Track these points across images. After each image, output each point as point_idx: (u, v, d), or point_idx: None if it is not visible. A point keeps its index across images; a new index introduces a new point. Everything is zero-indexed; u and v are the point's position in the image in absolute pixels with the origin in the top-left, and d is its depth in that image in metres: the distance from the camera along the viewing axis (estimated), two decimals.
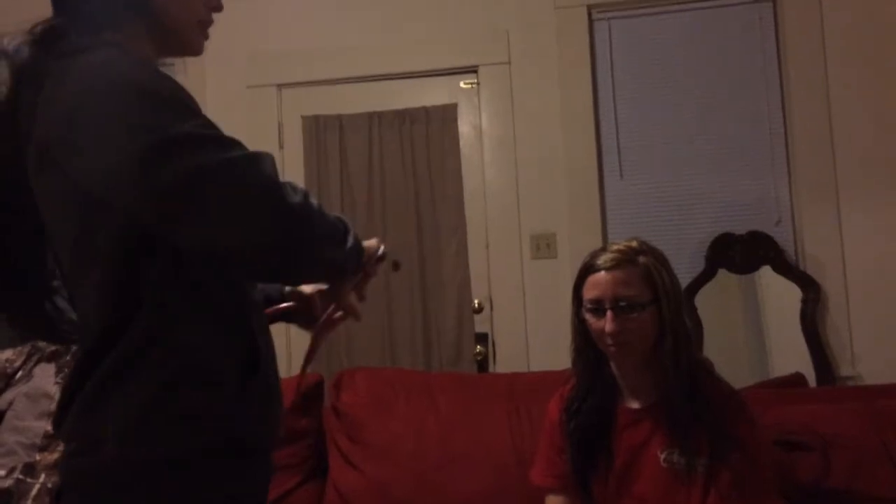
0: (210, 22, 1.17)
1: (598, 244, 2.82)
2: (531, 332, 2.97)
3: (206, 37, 1.17)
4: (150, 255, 0.97)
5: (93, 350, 0.98)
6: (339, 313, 1.24)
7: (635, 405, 1.71)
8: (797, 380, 2.50)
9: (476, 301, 3.06)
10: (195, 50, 1.17)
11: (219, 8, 1.17)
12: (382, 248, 1.23)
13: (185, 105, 0.96)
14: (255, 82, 3.20)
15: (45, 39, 1.04)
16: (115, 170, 0.91)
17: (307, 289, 1.28)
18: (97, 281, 0.98)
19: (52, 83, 0.97)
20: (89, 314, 1.01)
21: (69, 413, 0.99)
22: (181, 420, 0.96)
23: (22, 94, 1.01)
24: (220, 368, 0.99)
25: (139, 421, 0.95)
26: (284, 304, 1.29)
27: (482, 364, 3.04)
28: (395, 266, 1.41)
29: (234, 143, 0.95)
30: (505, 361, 2.98)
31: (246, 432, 1.02)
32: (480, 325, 3.05)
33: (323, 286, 1.27)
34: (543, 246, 3.00)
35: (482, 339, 3.05)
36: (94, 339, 0.99)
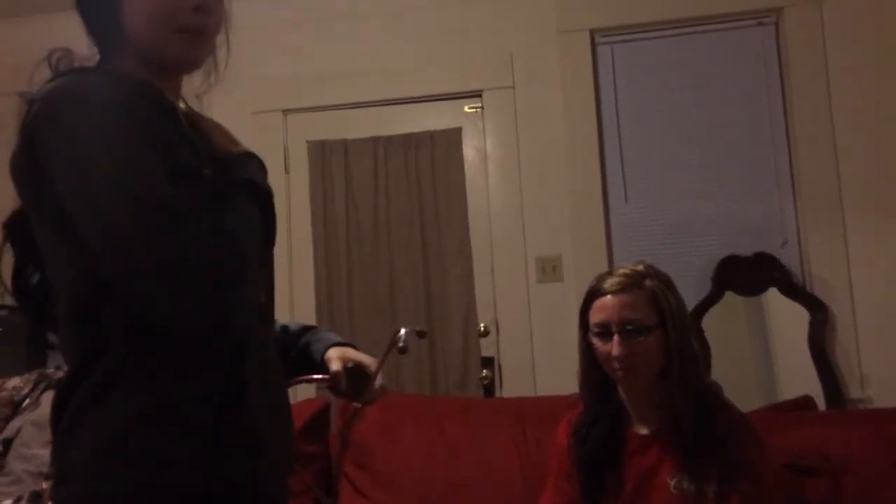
0: (199, 26, 1.04)
1: (604, 267, 2.84)
2: (538, 355, 2.96)
3: (198, 45, 1.06)
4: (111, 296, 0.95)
5: (68, 383, 0.98)
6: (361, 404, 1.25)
7: (644, 431, 1.70)
8: (806, 402, 2.48)
9: (482, 325, 3.05)
10: (183, 62, 1.07)
11: (204, 6, 1.04)
12: (403, 332, 1.24)
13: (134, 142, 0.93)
14: (261, 108, 3.22)
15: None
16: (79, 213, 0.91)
17: (335, 365, 1.25)
18: (64, 314, 0.98)
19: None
20: (64, 346, 1.01)
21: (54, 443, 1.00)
22: (144, 456, 0.93)
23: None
24: (191, 407, 0.95)
25: (103, 455, 0.93)
26: (317, 376, 1.28)
27: (488, 388, 3.03)
28: (422, 335, 1.41)
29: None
30: (511, 385, 2.97)
31: (227, 474, 0.97)
32: (486, 348, 3.04)
33: (349, 361, 1.27)
34: (549, 269, 3.00)
35: (488, 362, 3.04)
36: (69, 372, 0.98)
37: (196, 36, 1.05)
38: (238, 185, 1.01)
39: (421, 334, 1.38)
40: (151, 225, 0.87)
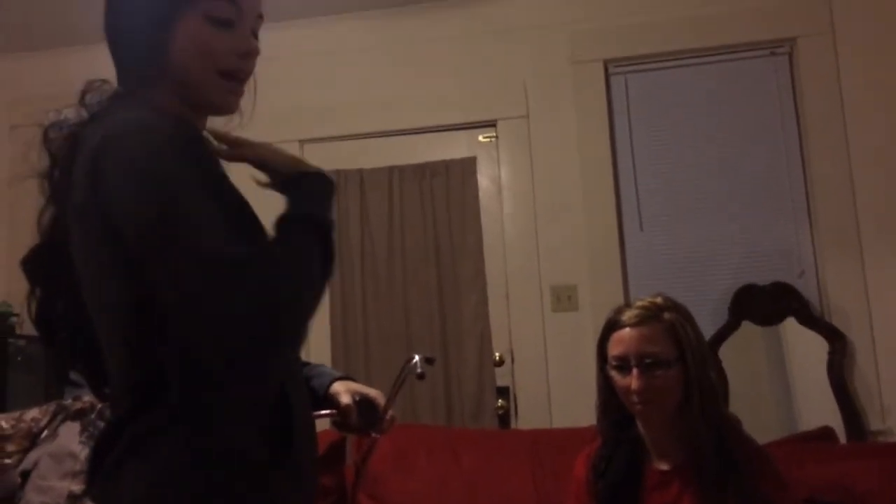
0: (242, 71, 1.05)
1: (620, 296, 2.84)
2: (553, 385, 2.94)
3: (237, 91, 1.06)
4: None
5: (122, 419, 0.97)
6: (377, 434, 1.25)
7: (663, 466, 1.68)
8: (826, 434, 2.45)
9: (497, 354, 3.04)
10: (220, 107, 1.07)
11: (251, 52, 1.06)
12: (417, 358, 1.24)
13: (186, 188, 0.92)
14: (278, 138, 3.20)
15: (89, 104, 1.06)
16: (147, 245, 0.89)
17: (345, 398, 1.25)
18: (122, 353, 0.98)
19: (81, 147, 0.98)
20: (118, 381, 1.00)
21: (97, 477, 0.99)
22: (206, 491, 0.93)
23: (62, 162, 1.03)
24: (249, 444, 0.96)
25: (162, 487, 0.93)
26: (325, 412, 1.28)
27: (504, 418, 3.01)
28: (430, 361, 1.41)
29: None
30: (527, 416, 2.95)
31: None
32: (502, 378, 3.03)
33: (356, 394, 1.27)
34: (564, 298, 2.99)
35: (503, 392, 3.02)
36: (124, 409, 0.98)
37: (238, 81, 1.06)
38: (295, 219, 1.00)
39: (429, 361, 1.39)
40: (218, 281, 0.85)
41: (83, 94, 1.08)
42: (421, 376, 1.31)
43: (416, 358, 1.29)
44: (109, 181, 0.92)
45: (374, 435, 1.30)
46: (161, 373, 0.94)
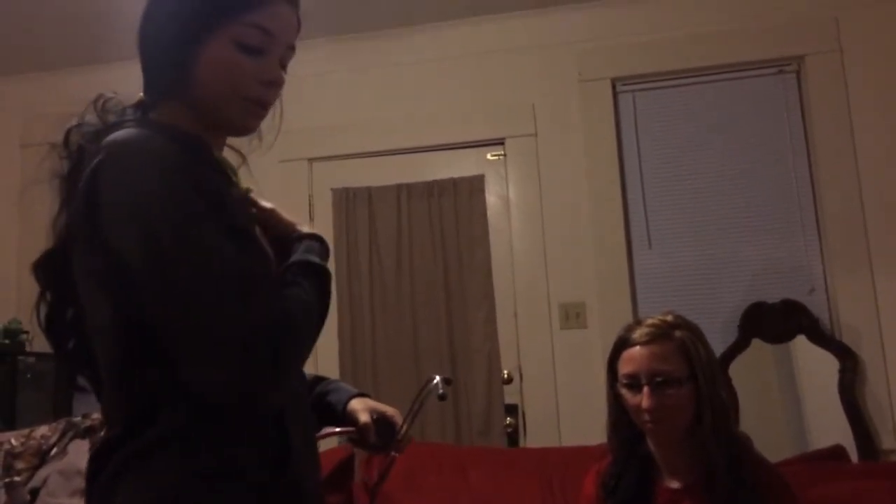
0: (264, 99, 1.06)
1: (628, 314, 2.83)
2: (562, 403, 2.93)
3: (259, 115, 1.07)
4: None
5: (115, 437, 0.96)
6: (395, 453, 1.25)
7: (674, 484, 1.67)
8: (838, 452, 2.43)
9: (505, 371, 3.03)
10: (240, 128, 1.08)
11: (276, 82, 1.06)
12: (438, 379, 1.25)
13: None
14: (287, 156, 3.27)
15: (105, 116, 1.07)
16: (143, 274, 0.90)
17: (363, 416, 1.25)
18: (112, 366, 0.97)
19: (87, 159, 0.98)
20: (111, 400, 1.00)
21: (91, 493, 0.98)
22: None
23: (71, 172, 1.04)
24: (248, 465, 0.95)
25: None
26: (342, 429, 1.27)
27: (512, 436, 3.00)
28: (449, 382, 1.41)
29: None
30: (535, 433, 2.94)
31: None
32: (510, 396, 3.02)
33: (374, 412, 1.27)
34: (573, 316, 2.98)
35: (512, 410, 3.01)
36: (116, 426, 0.97)
37: (261, 107, 1.06)
38: (299, 263, 1.04)
39: (448, 382, 1.39)
40: (220, 300, 0.87)
41: (97, 103, 1.08)
42: (443, 397, 1.30)
43: (437, 378, 1.28)
44: (104, 199, 0.92)
45: (392, 454, 1.29)
46: (153, 397, 0.94)
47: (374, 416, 1.26)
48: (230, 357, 0.86)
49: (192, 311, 0.87)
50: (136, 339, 0.94)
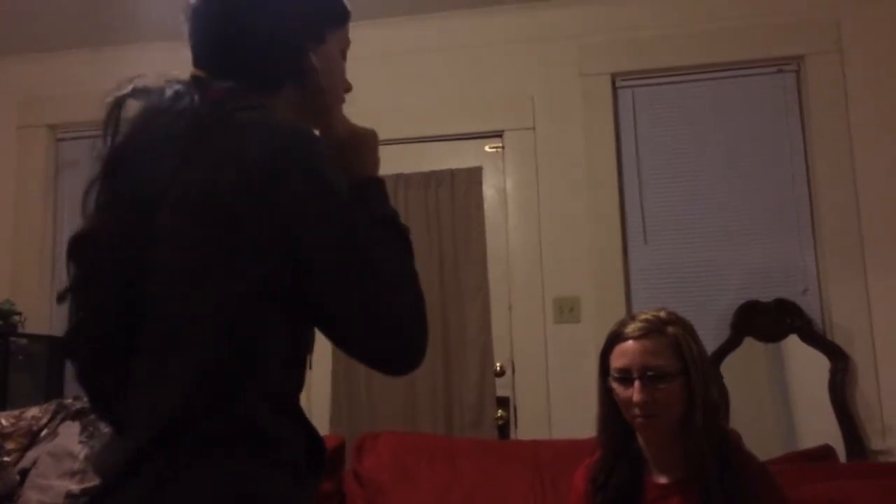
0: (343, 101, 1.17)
1: (622, 309, 2.84)
2: (553, 397, 2.94)
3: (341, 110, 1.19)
4: (270, 329, 0.96)
5: (168, 429, 0.92)
6: None
7: (663, 479, 1.68)
8: (826, 452, 2.44)
9: (498, 364, 3.04)
10: (329, 124, 1.15)
11: (349, 89, 1.20)
12: None
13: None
14: None
15: (204, 92, 1.02)
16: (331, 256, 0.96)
17: None
18: (195, 358, 0.93)
19: (223, 137, 0.95)
20: (162, 395, 0.93)
21: (132, 485, 0.91)
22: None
23: (162, 143, 0.99)
24: (298, 456, 0.98)
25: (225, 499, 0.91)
26: None
27: (503, 428, 3.01)
28: None
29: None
30: (526, 426, 2.95)
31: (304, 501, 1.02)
32: (502, 388, 3.03)
33: None
34: (567, 310, 2.99)
35: (504, 402, 3.02)
36: (168, 419, 0.92)
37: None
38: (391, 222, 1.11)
39: None
40: (407, 285, 1.04)
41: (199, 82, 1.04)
42: None
43: None
44: (293, 186, 0.93)
45: None
46: (229, 383, 0.93)
47: None
48: (420, 334, 1.02)
49: (386, 298, 0.99)
50: (261, 314, 0.95)
